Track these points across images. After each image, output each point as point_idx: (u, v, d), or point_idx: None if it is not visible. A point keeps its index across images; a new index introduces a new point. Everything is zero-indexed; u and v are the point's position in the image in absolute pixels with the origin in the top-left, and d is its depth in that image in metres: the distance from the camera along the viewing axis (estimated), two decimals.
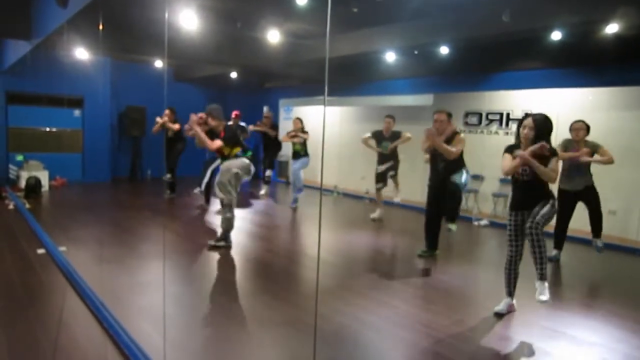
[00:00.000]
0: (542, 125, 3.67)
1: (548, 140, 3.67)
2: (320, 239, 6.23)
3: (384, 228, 7.24)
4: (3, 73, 9.53)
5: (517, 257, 3.87)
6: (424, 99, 9.04)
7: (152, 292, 4.07)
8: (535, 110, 7.63)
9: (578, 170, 5.35)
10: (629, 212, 6.68)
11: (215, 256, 5.40)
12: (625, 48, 6.30)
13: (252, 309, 3.86)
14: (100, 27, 5.01)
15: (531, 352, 3.26)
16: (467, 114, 8.64)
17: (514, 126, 8.04)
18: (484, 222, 7.65)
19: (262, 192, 9.42)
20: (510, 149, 3.85)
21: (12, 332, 3.18)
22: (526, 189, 3.78)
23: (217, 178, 5.60)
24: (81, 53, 7.92)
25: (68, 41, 6.65)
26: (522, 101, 7.92)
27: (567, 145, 5.44)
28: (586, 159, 5.22)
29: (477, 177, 8.08)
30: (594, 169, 5.41)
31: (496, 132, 8.20)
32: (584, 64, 7.32)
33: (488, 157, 7.88)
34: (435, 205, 5.41)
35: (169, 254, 5.27)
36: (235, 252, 5.48)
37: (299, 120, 8.63)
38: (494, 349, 3.28)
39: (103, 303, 3.56)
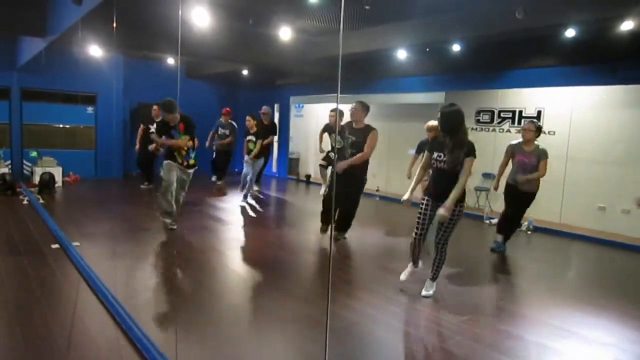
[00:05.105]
0: (446, 118, 3.81)
1: (456, 133, 3.76)
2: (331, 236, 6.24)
3: (394, 225, 7.22)
4: (18, 70, 9.65)
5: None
6: (436, 97, 8.99)
7: (164, 287, 4.11)
8: (548, 108, 7.62)
9: (524, 171, 5.41)
10: None
11: (227, 253, 5.44)
12: None
13: (263, 306, 3.88)
14: (114, 24, 5.05)
15: (542, 352, 3.24)
16: (479, 112, 8.58)
17: None
18: (495, 220, 7.59)
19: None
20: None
21: (27, 326, 3.23)
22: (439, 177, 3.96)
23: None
24: (95, 50, 7.99)
25: (82, 38, 6.72)
26: (535, 99, 7.85)
27: (515, 147, 5.52)
28: None
29: (488, 176, 8.02)
30: (609, 167, 5.29)
31: (508, 130, 8.13)
32: (599, 61, 7.22)
33: (500, 156, 7.75)
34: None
35: (180, 250, 5.31)
36: (246, 250, 5.51)
37: (250, 117, 8.42)
38: (505, 347, 3.27)
39: (116, 298, 3.61)
